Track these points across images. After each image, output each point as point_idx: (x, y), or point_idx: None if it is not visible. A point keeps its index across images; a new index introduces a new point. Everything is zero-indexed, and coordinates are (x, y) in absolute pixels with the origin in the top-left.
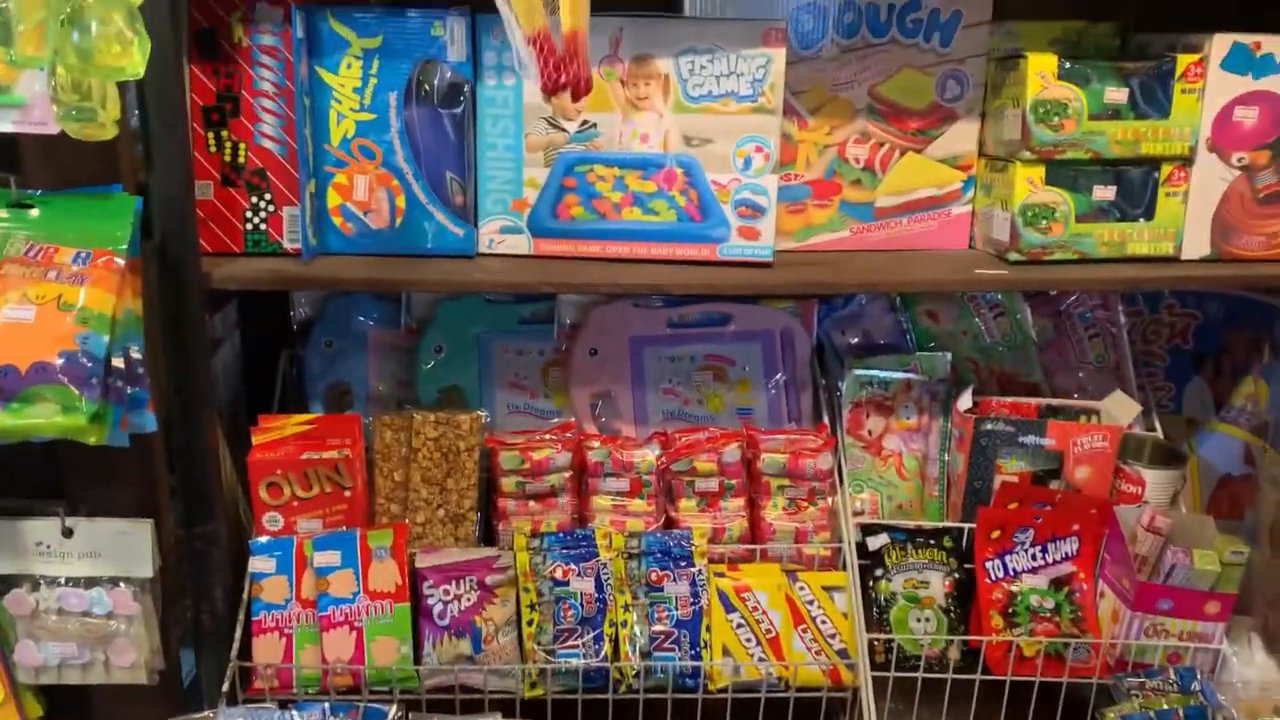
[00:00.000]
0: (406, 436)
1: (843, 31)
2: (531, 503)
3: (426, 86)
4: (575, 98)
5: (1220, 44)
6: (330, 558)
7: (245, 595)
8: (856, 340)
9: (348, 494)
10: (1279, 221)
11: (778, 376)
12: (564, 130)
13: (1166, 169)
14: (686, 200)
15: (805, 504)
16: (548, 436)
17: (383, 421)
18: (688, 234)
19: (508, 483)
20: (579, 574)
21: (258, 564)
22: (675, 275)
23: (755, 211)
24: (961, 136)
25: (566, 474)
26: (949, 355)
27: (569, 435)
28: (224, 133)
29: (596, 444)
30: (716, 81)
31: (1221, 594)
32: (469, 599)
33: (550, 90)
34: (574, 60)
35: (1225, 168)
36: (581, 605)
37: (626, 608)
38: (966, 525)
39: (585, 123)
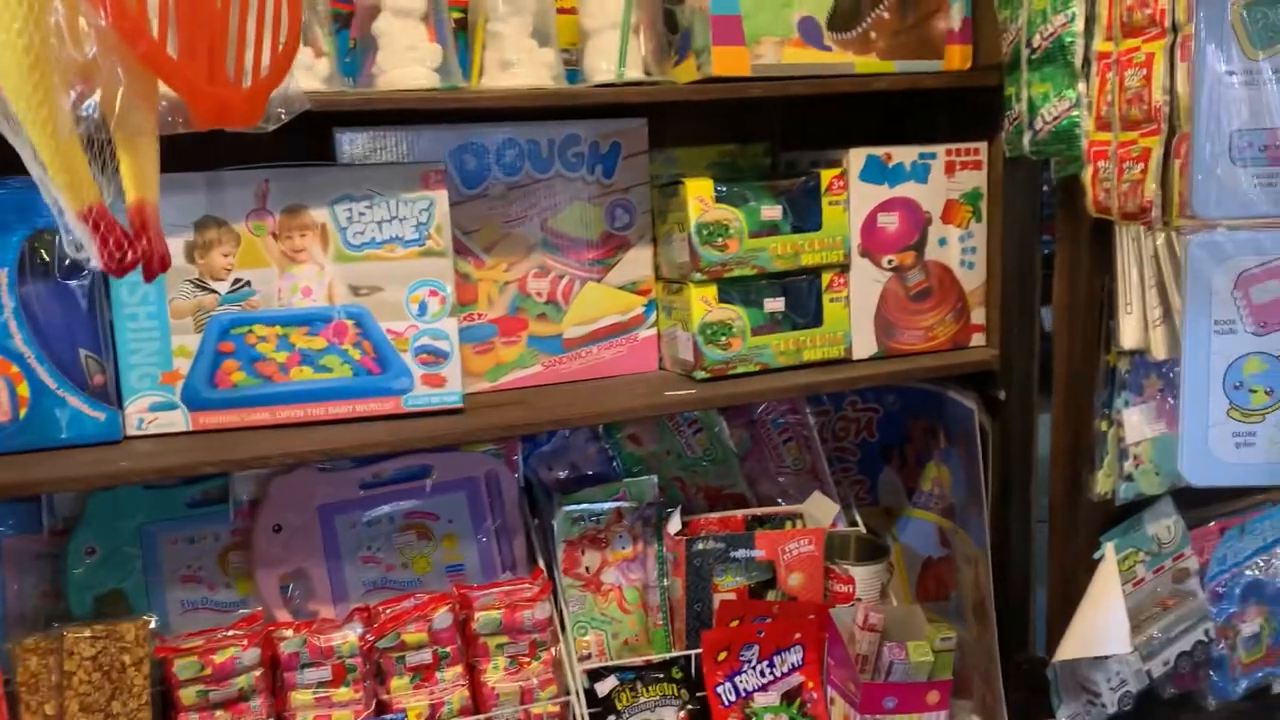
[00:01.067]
0: (57, 660)
1: (506, 169)
2: (219, 712)
3: (44, 258)
4: (149, 276)
5: (856, 157)
6: None
7: None
8: (565, 474)
9: None
10: (932, 315)
11: (487, 524)
12: (214, 291)
13: (827, 277)
14: (361, 353)
15: (527, 659)
16: (230, 633)
17: (24, 647)
18: (367, 388)
19: (187, 694)
20: None
21: None
22: (358, 434)
23: (437, 357)
24: (637, 262)
25: (257, 673)
26: (655, 478)
27: (256, 627)
28: None
29: (289, 632)
30: (379, 227)
31: (939, 682)
32: None
33: (116, 271)
34: (143, 234)
35: (878, 270)
36: None
37: None
38: (693, 652)
39: (237, 281)
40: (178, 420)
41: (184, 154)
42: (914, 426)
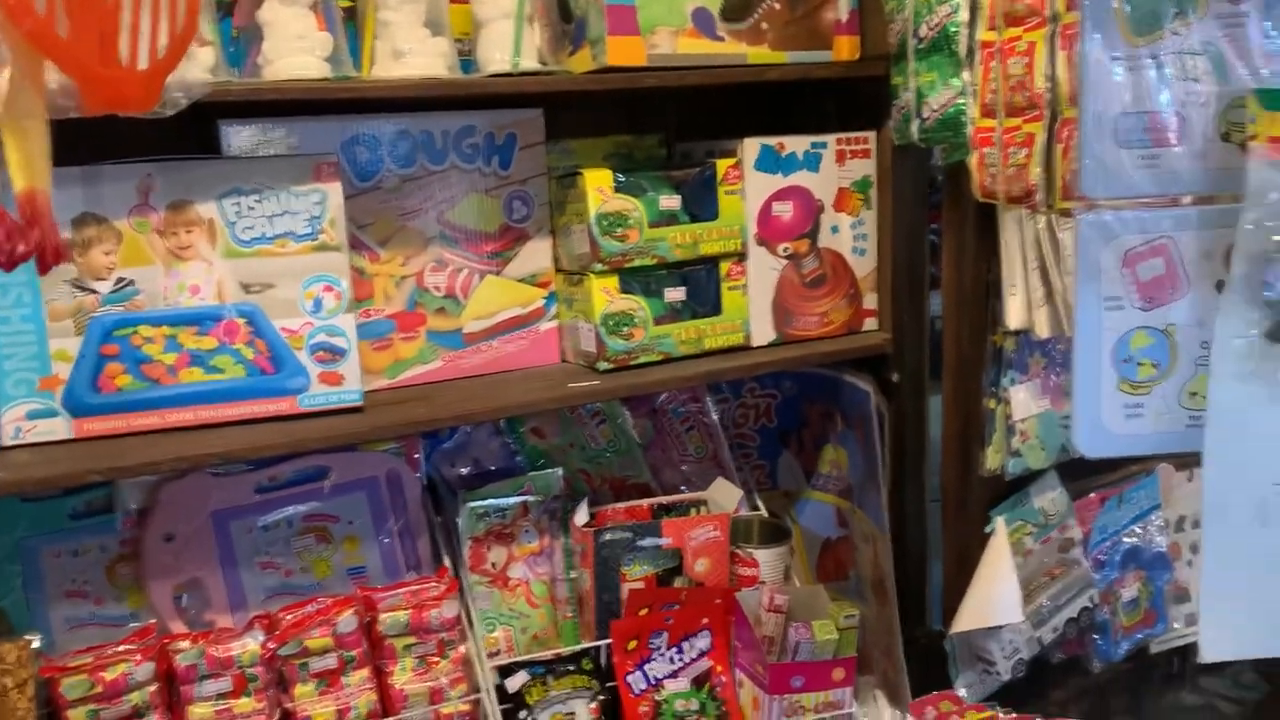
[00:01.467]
0: None
1: (399, 161)
2: None
3: None
4: (43, 268)
5: (750, 147)
6: None
7: None
8: (468, 470)
9: None
10: (827, 301)
11: (389, 524)
12: (95, 291)
13: (725, 265)
14: (255, 352)
15: (436, 659)
16: (121, 648)
17: None
18: (261, 389)
19: (77, 715)
20: None
21: None
22: (253, 436)
23: (334, 354)
24: (536, 254)
25: (152, 688)
26: (561, 471)
27: (149, 641)
28: None
29: (185, 644)
30: (269, 222)
31: (844, 659)
32: None
33: (6, 264)
34: (35, 225)
35: (774, 258)
36: None
37: None
38: (603, 642)
39: (120, 280)
40: (59, 428)
41: (55, 147)
42: (811, 411)
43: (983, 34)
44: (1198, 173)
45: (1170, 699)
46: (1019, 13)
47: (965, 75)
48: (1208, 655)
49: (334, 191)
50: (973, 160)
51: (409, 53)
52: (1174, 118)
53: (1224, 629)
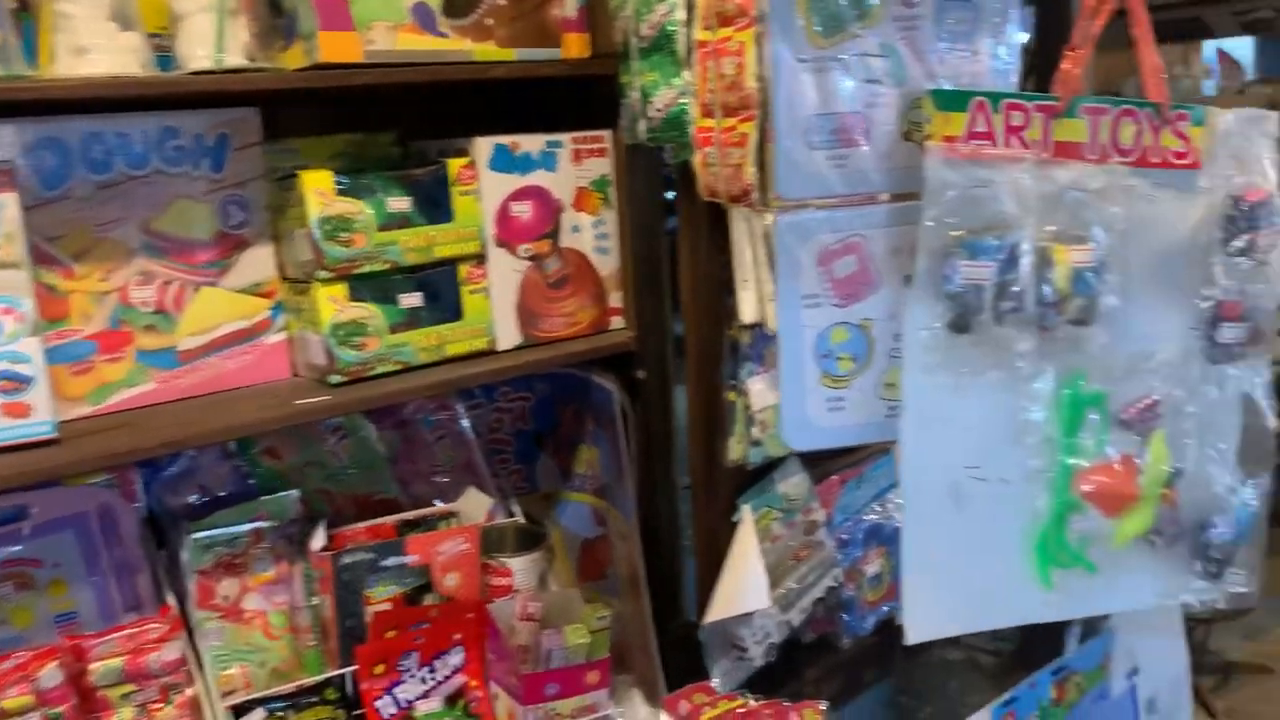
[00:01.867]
0: None
1: (92, 166)
2: None
3: None
4: None
5: (483, 146)
6: None
7: None
8: (195, 498)
9: None
10: (572, 301)
11: (103, 564)
12: None
13: (464, 269)
14: None
15: (159, 705)
16: None
17: None
18: None
19: None
20: None
21: None
22: None
23: (19, 383)
24: (258, 263)
25: None
26: (298, 492)
27: None
28: None
29: None
30: None
31: (598, 661)
32: None
33: None
34: None
35: (515, 260)
36: None
37: None
38: (349, 669)
39: None
40: None
41: None
42: (564, 412)
43: (699, 33)
44: (884, 172)
45: (934, 657)
46: (729, 12)
47: (686, 75)
48: (912, 637)
49: (9, 202)
50: (696, 160)
51: (94, 49)
52: (860, 119)
53: (926, 610)
